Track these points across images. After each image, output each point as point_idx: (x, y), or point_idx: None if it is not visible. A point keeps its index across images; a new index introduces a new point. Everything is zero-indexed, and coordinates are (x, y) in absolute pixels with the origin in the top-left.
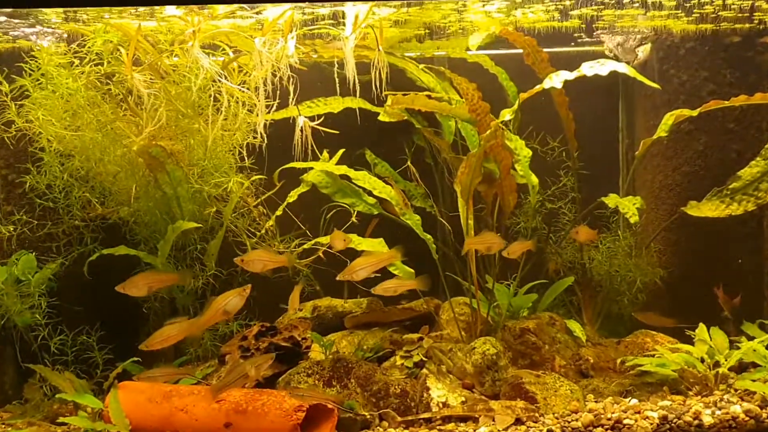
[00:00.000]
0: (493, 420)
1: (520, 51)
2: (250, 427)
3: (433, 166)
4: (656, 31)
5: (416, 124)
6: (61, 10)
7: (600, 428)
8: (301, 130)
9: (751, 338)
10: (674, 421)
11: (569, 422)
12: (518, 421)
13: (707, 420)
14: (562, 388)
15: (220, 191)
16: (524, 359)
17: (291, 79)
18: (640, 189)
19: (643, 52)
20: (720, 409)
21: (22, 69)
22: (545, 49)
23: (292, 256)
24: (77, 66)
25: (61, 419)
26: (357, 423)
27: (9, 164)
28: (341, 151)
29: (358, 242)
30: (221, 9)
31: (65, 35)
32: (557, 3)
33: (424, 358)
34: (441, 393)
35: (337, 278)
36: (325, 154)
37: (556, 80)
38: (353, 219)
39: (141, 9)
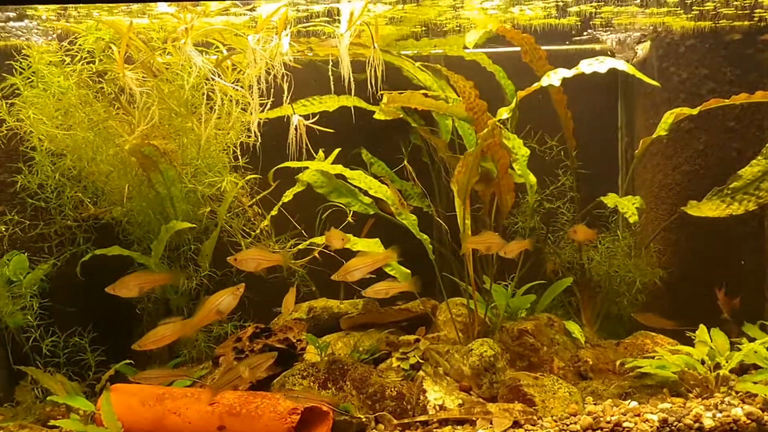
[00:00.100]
0: (491, 423)
1: (518, 49)
2: (243, 430)
3: (430, 166)
4: (656, 29)
5: (412, 123)
6: (53, 6)
7: (599, 431)
8: (296, 129)
9: (752, 339)
10: (674, 424)
11: (568, 425)
12: (516, 424)
13: (708, 423)
14: (560, 391)
15: (213, 191)
16: (522, 361)
17: (285, 78)
18: (640, 188)
19: (642, 49)
20: (721, 411)
21: (12, 67)
22: (543, 47)
23: (287, 255)
24: (68, 64)
25: (52, 422)
26: (352, 426)
27: (0, 164)
28: (337, 150)
29: (353, 242)
30: (213, 6)
31: (57, 33)
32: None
33: (420, 360)
34: (438, 395)
35: (332, 278)
36: (321, 153)
37: (554, 78)
38: (349, 219)
39: (133, 6)
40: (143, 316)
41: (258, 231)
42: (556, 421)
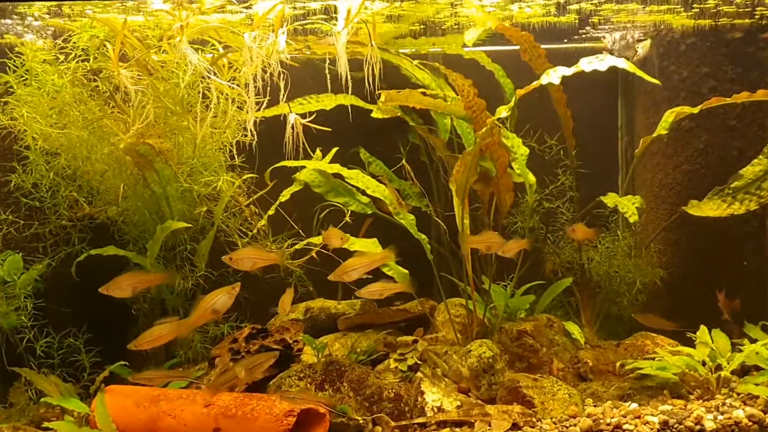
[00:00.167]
0: (490, 425)
1: (518, 48)
2: None
3: (429, 165)
4: (656, 27)
5: (410, 121)
6: (48, 3)
7: None
8: (293, 128)
9: (753, 340)
10: (675, 426)
11: (567, 427)
12: (515, 426)
13: (709, 425)
14: (560, 392)
15: (209, 190)
16: (521, 362)
17: (282, 76)
18: (640, 188)
19: (642, 48)
20: (722, 413)
21: (5, 65)
22: (543, 46)
23: (283, 254)
24: (63, 62)
25: (46, 424)
26: (350, 428)
27: None
28: (335, 149)
29: (351, 242)
30: (209, 3)
31: (50, 30)
32: None
33: (418, 361)
34: (436, 397)
35: (329, 278)
36: (318, 152)
37: (553, 76)
38: (347, 218)
39: (128, 3)
40: (139, 317)
41: (255, 231)
42: (555, 423)
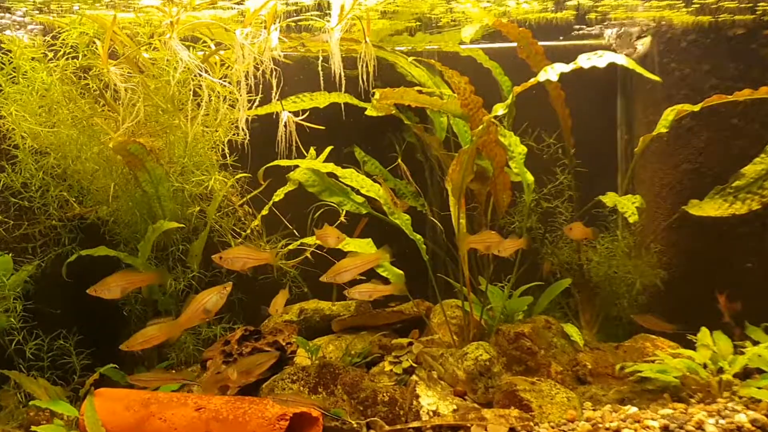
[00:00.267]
0: (486, 429)
1: (515, 45)
2: None
3: (425, 164)
4: (657, 23)
5: (405, 120)
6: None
7: None
8: (285, 126)
9: (756, 343)
10: (676, 430)
11: None
12: (512, 431)
13: (711, 429)
14: (558, 396)
15: (201, 189)
16: (519, 365)
17: (275, 73)
18: (640, 187)
19: (642, 44)
20: (724, 417)
21: None
22: (542, 43)
23: (276, 254)
24: (52, 59)
25: (33, 428)
26: None
27: None
28: (329, 148)
29: (345, 242)
30: None
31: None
32: None
33: (413, 364)
34: (431, 401)
35: (321, 279)
36: (312, 151)
37: (551, 73)
38: (342, 218)
39: None
40: (131, 319)
41: (249, 231)
42: (553, 428)
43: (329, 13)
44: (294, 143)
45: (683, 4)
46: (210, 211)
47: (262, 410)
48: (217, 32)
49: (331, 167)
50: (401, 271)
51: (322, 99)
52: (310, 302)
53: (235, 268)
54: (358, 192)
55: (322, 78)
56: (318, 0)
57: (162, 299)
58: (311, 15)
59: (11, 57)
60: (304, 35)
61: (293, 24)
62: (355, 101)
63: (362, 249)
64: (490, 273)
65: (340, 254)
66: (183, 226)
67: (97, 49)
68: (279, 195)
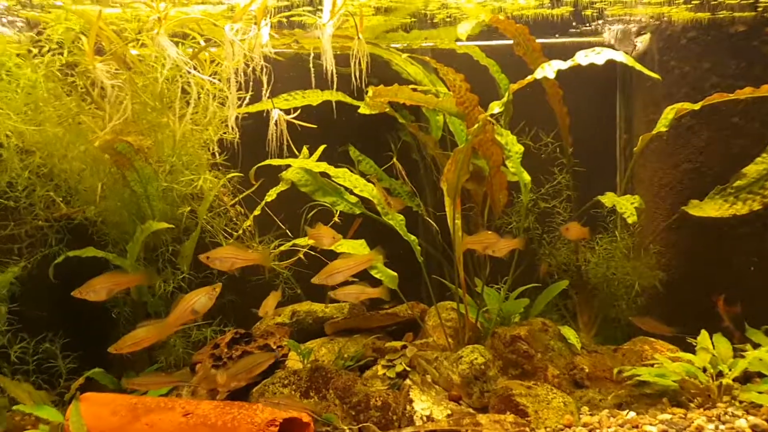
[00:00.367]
0: None
1: (512, 42)
2: None
3: (420, 163)
4: (657, 20)
5: (400, 119)
6: None
7: None
8: (276, 125)
9: (756, 346)
10: None
11: None
12: None
13: None
14: (555, 400)
15: (191, 189)
16: (515, 369)
17: (266, 70)
18: (639, 187)
19: (642, 42)
20: (724, 423)
21: None
22: (540, 40)
23: (266, 253)
24: (36, 56)
25: None
26: None
27: None
28: (322, 147)
29: (338, 243)
30: None
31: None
32: None
33: (407, 368)
34: (425, 405)
35: (313, 281)
36: (305, 150)
37: (548, 70)
38: (335, 219)
39: None
40: (119, 321)
41: (240, 231)
42: None
43: (321, 9)
44: (285, 142)
45: (682, 0)
46: (201, 211)
47: (252, 415)
48: (207, 28)
49: (324, 167)
50: (395, 273)
51: (314, 97)
52: (302, 304)
53: (222, 268)
54: (351, 192)
55: (314, 76)
56: None
57: (152, 301)
58: (303, 11)
59: None
60: (297, 32)
61: (285, 20)
62: (347, 99)
63: (355, 250)
64: (487, 274)
65: (333, 255)
66: (173, 226)
67: (83, 45)
68: (271, 195)
